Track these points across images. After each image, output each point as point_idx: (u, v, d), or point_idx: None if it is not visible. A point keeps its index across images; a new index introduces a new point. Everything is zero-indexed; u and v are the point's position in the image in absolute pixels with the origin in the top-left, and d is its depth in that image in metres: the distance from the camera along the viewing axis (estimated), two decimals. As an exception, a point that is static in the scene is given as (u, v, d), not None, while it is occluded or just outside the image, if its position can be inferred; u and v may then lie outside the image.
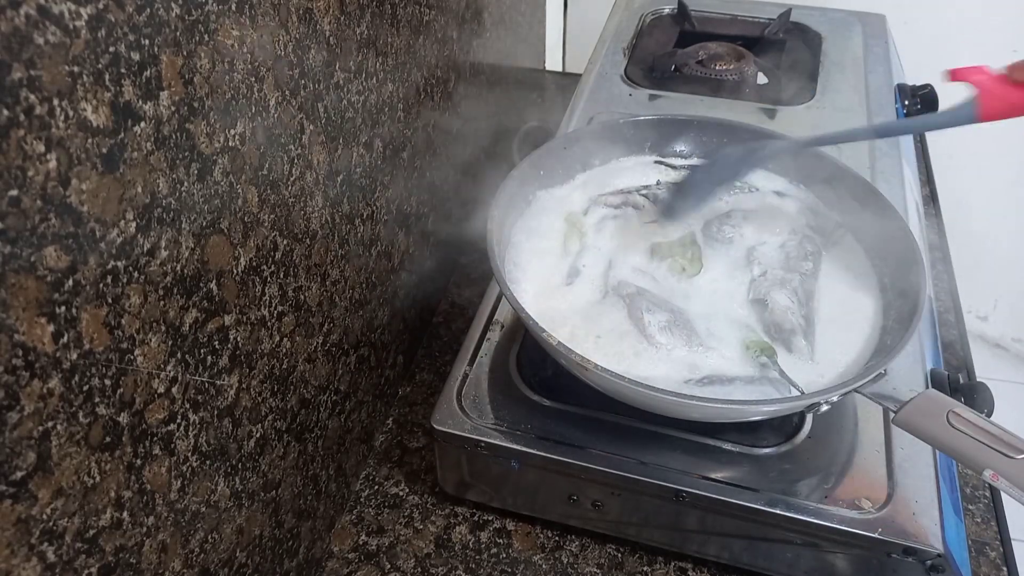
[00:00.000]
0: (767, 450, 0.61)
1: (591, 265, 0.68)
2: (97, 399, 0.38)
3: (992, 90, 0.55)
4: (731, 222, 0.70)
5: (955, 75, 0.57)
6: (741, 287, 0.66)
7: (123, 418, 0.40)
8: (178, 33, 0.40)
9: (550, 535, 0.69)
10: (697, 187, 0.71)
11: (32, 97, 0.31)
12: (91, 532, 0.39)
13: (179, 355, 0.44)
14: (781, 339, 0.62)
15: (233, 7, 0.44)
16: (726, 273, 0.67)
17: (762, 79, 0.99)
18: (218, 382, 0.48)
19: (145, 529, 0.43)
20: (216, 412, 0.48)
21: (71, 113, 0.34)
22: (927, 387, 0.63)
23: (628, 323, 0.63)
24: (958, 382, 0.65)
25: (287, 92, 0.51)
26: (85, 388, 0.37)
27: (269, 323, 0.53)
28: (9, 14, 0.30)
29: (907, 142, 0.96)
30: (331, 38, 0.55)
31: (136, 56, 0.37)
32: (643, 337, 0.62)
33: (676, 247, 0.68)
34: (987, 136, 1.44)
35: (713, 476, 0.60)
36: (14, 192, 0.31)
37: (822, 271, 0.68)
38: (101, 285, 0.37)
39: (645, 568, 0.67)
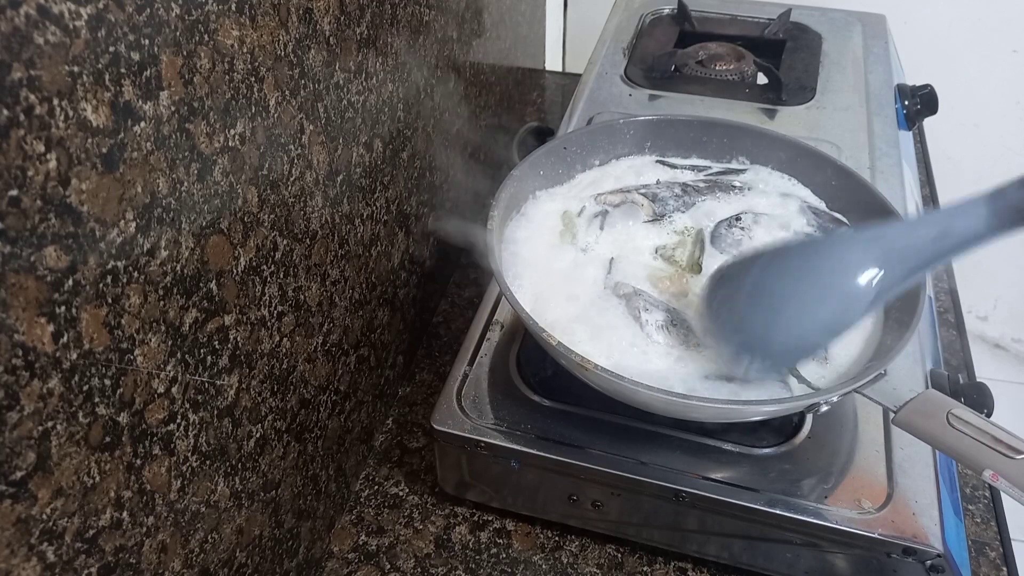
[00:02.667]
0: (767, 450, 0.61)
1: (587, 264, 0.68)
2: (97, 399, 0.38)
3: None
4: (741, 224, 0.70)
5: None
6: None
7: (123, 418, 0.40)
8: (178, 33, 0.40)
9: (550, 535, 0.69)
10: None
11: (32, 97, 0.31)
12: (91, 532, 0.39)
13: (179, 355, 0.44)
14: None
15: (233, 7, 0.44)
16: None
17: (762, 79, 0.99)
18: (218, 382, 0.48)
19: (145, 529, 0.43)
20: (216, 412, 0.48)
21: (71, 113, 0.34)
22: (927, 387, 0.63)
23: (627, 322, 0.63)
24: (958, 382, 0.65)
25: (287, 92, 0.51)
26: (85, 388, 0.37)
27: (269, 323, 0.53)
28: (9, 14, 0.30)
29: (907, 142, 0.96)
30: (331, 38, 0.55)
31: (136, 56, 0.37)
32: (642, 336, 0.62)
33: (679, 248, 0.68)
34: (987, 137, 1.44)
35: (713, 476, 0.60)
36: (14, 192, 0.31)
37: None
38: (101, 285, 0.37)
39: (645, 568, 0.67)
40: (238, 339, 0.49)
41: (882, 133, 0.89)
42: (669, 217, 0.72)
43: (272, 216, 0.51)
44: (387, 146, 0.69)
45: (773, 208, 0.73)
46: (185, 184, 0.42)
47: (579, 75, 1.03)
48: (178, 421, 0.44)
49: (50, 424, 0.35)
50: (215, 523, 0.50)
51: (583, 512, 0.65)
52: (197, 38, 0.41)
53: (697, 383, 0.59)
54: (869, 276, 0.49)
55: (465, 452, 0.64)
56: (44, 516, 0.36)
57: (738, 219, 0.70)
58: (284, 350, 0.56)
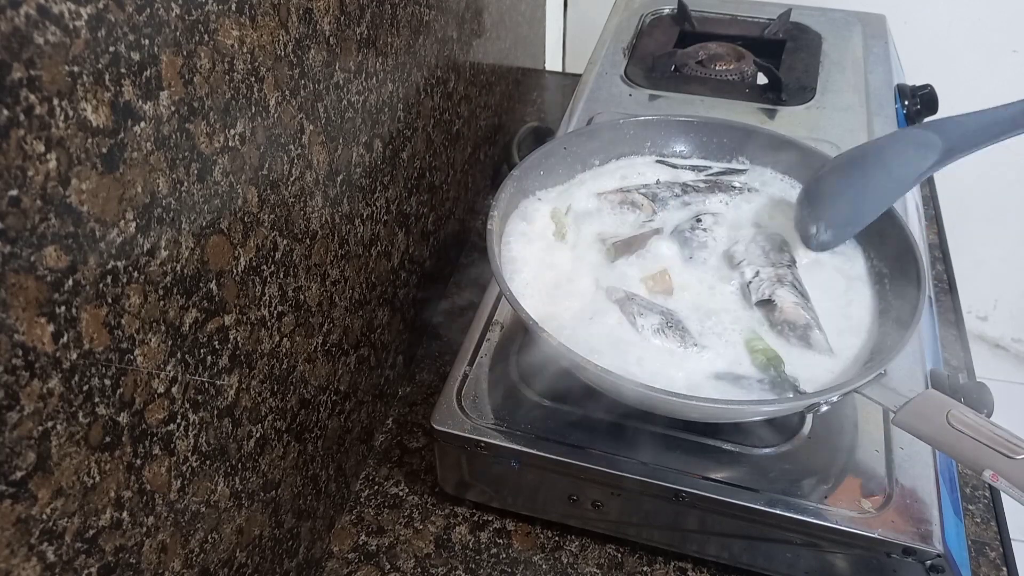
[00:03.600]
0: (767, 450, 0.61)
1: (581, 263, 0.68)
2: (97, 399, 0.38)
3: None
4: (702, 225, 0.70)
5: None
6: (731, 287, 0.66)
7: (123, 418, 0.40)
8: (178, 33, 0.40)
9: (550, 535, 0.69)
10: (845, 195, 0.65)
11: (32, 97, 0.31)
12: (91, 532, 0.39)
13: (179, 355, 0.44)
14: (797, 336, 0.61)
15: (233, 7, 0.44)
16: (711, 275, 0.67)
17: (762, 79, 0.99)
18: (218, 382, 0.48)
19: (145, 529, 0.43)
20: (216, 412, 0.48)
21: (71, 113, 0.34)
22: (927, 387, 0.63)
23: (623, 324, 0.63)
24: (958, 382, 0.65)
25: (287, 92, 0.51)
26: (85, 388, 0.37)
27: (269, 323, 0.53)
28: (9, 14, 0.30)
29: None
30: (331, 38, 0.55)
31: (136, 56, 0.37)
32: (639, 339, 0.62)
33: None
34: (987, 136, 1.44)
35: (713, 476, 0.60)
36: (14, 192, 0.31)
37: (822, 272, 0.68)
38: (101, 285, 0.37)
39: (645, 568, 0.67)
40: (238, 339, 0.49)
41: (882, 133, 0.89)
42: (661, 214, 0.72)
43: (272, 216, 0.51)
44: (387, 146, 0.69)
45: (736, 206, 0.73)
46: (185, 184, 0.42)
47: (579, 75, 1.03)
48: (178, 421, 0.44)
49: (50, 424, 0.35)
50: (215, 523, 0.50)
51: (583, 512, 0.65)
52: (197, 38, 0.41)
53: (697, 383, 0.59)
54: (919, 158, 0.62)
55: (465, 452, 0.64)
56: (44, 516, 0.36)
57: (699, 220, 0.70)
58: (284, 350, 0.56)
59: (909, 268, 0.63)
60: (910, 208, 0.82)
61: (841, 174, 0.66)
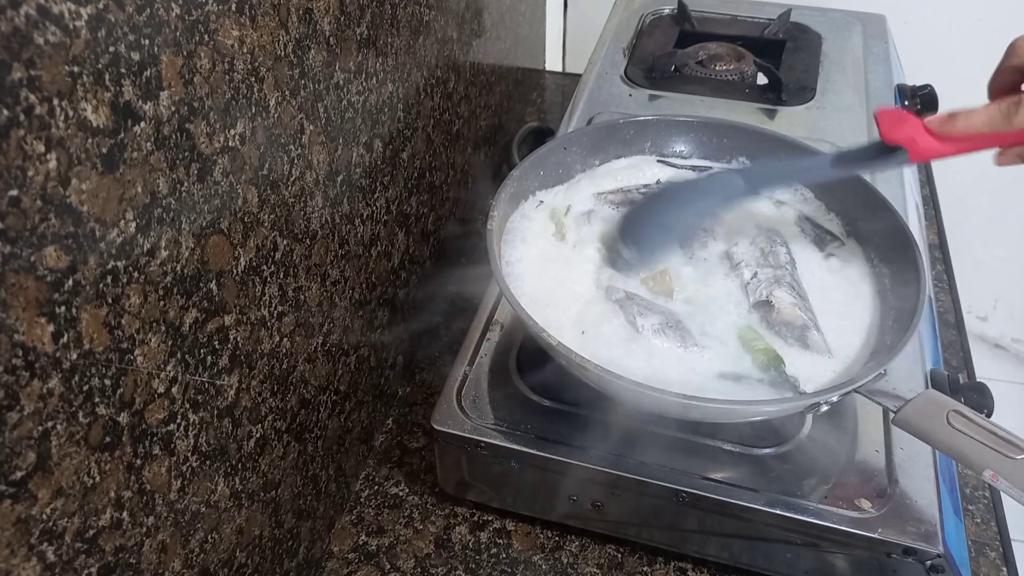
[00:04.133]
0: (767, 450, 0.61)
1: (581, 263, 0.68)
2: (97, 399, 0.38)
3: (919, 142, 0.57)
4: (702, 225, 0.70)
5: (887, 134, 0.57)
6: (729, 288, 0.66)
7: (123, 418, 0.40)
8: (178, 33, 0.40)
9: (550, 535, 0.69)
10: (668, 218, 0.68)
11: (32, 97, 0.32)
12: (91, 532, 0.39)
13: (179, 355, 0.44)
14: (794, 336, 0.61)
15: (233, 7, 0.44)
16: (711, 275, 0.67)
17: (762, 79, 0.99)
18: (218, 382, 0.48)
19: (145, 529, 0.43)
20: (216, 412, 0.48)
21: (71, 113, 0.34)
22: (927, 387, 0.63)
23: (623, 325, 0.63)
24: (958, 382, 0.65)
25: (287, 92, 0.51)
26: (85, 388, 0.37)
27: (269, 323, 0.53)
28: (9, 14, 0.30)
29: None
30: (331, 38, 0.55)
31: (136, 56, 0.37)
32: (639, 339, 0.62)
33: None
34: (987, 136, 1.44)
35: (713, 476, 0.60)
36: (14, 192, 0.31)
37: (822, 273, 0.68)
38: (101, 285, 0.37)
39: (645, 568, 0.67)
40: (238, 339, 0.49)
41: (882, 133, 0.89)
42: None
43: (272, 216, 0.51)
44: (387, 146, 0.69)
45: (770, 212, 0.73)
46: (185, 184, 0.42)
47: (579, 75, 1.03)
48: (178, 421, 0.44)
49: (50, 424, 0.35)
50: (215, 523, 0.50)
51: (583, 512, 0.65)
52: (197, 38, 0.41)
53: (698, 383, 0.59)
54: (722, 197, 0.68)
55: (465, 452, 0.64)
56: (44, 516, 0.36)
57: None
58: (284, 350, 0.56)
59: (909, 269, 0.63)
60: (910, 208, 0.82)
61: (652, 206, 0.70)
